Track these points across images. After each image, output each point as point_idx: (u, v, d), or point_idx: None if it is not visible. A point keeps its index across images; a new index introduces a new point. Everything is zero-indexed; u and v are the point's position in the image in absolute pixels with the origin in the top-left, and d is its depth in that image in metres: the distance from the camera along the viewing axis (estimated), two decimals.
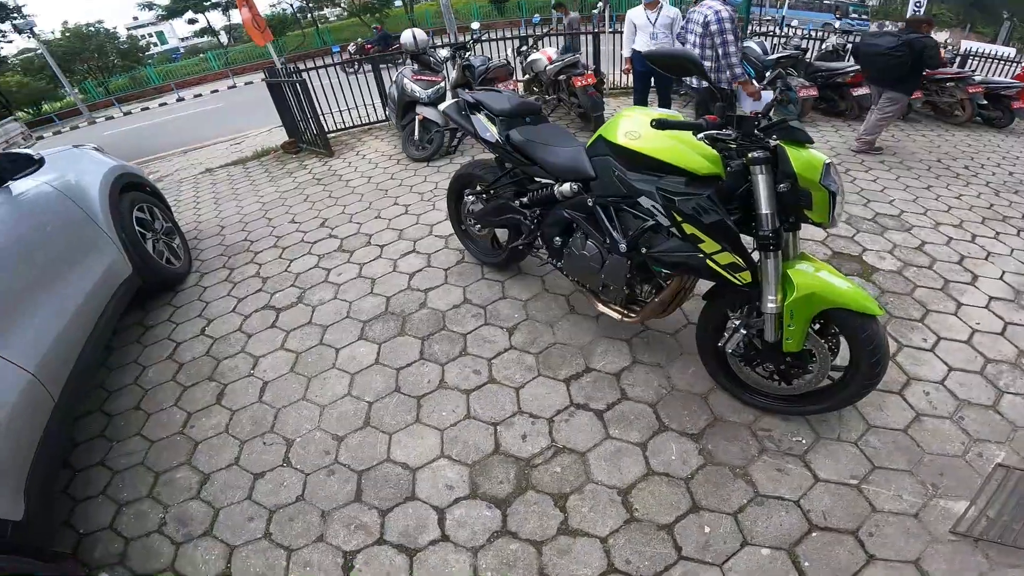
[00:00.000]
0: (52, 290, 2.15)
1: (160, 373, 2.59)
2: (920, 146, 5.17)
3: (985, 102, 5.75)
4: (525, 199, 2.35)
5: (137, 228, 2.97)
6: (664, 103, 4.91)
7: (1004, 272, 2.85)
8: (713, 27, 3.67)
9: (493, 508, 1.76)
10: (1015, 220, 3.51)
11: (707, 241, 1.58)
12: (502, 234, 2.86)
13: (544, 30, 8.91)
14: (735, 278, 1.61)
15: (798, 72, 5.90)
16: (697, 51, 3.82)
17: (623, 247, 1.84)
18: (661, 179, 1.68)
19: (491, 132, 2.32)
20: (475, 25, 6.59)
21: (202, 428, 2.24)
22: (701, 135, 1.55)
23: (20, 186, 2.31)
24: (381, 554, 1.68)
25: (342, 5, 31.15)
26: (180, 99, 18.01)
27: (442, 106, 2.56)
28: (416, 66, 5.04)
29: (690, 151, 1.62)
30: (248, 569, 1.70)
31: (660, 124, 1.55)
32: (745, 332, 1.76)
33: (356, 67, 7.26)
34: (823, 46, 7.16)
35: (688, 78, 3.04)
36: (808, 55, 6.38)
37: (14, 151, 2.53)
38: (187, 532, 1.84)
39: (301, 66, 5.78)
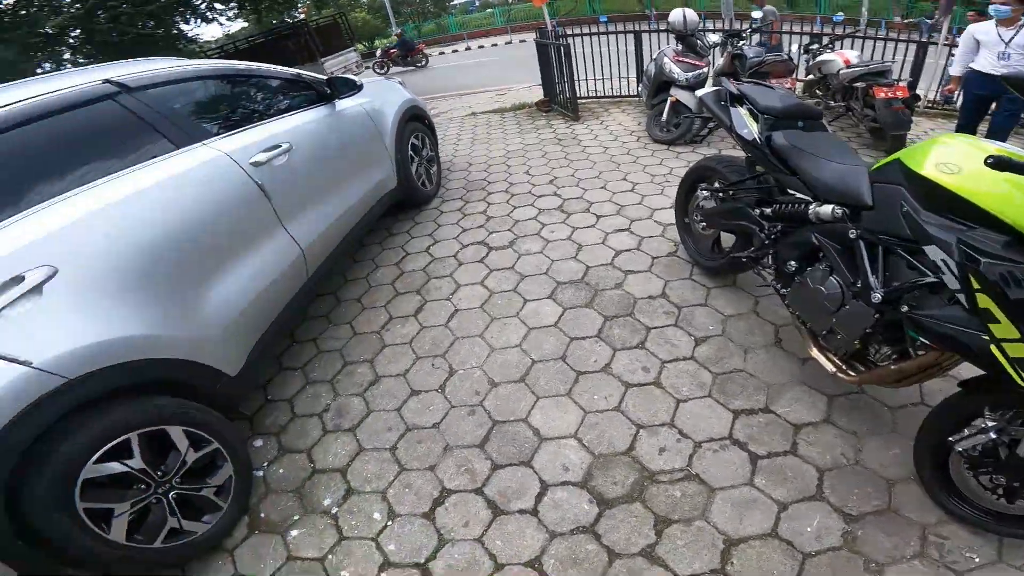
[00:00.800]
0: (340, 188, 2.80)
1: (384, 275, 3.14)
2: None
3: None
4: (768, 210, 2.11)
5: (410, 152, 3.69)
6: (999, 136, 3.78)
7: None
8: None
9: (593, 504, 1.76)
10: None
11: (1003, 323, 1.20)
12: (727, 238, 2.66)
13: (846, 29, 7.40)
14: (1020, 375, 1.20)
15: None
16: None
17: (877, 297, 1.51)
18: (969, 230, 1.28)
19: (750, 129, 2.12)
20: (756, 14, 5.89)
21: (394, 334, 2.62)
22: None
23: (343, 104, 3.02)
24: (471, 502, 1.80)
25: None
26: (468, 48, 20.82)
27: (700, 92, 2.44)
28: (680, 47, 4.85)
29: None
30: (361, 471, 1.96)
31: (999, 163, 1.16)
32: (996, 437, 1.37)
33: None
34: None
35: None
36: None
37: (347, 76, 3.19)
38: (337, 423, 2.15)
39: (569, 31, 6.11)
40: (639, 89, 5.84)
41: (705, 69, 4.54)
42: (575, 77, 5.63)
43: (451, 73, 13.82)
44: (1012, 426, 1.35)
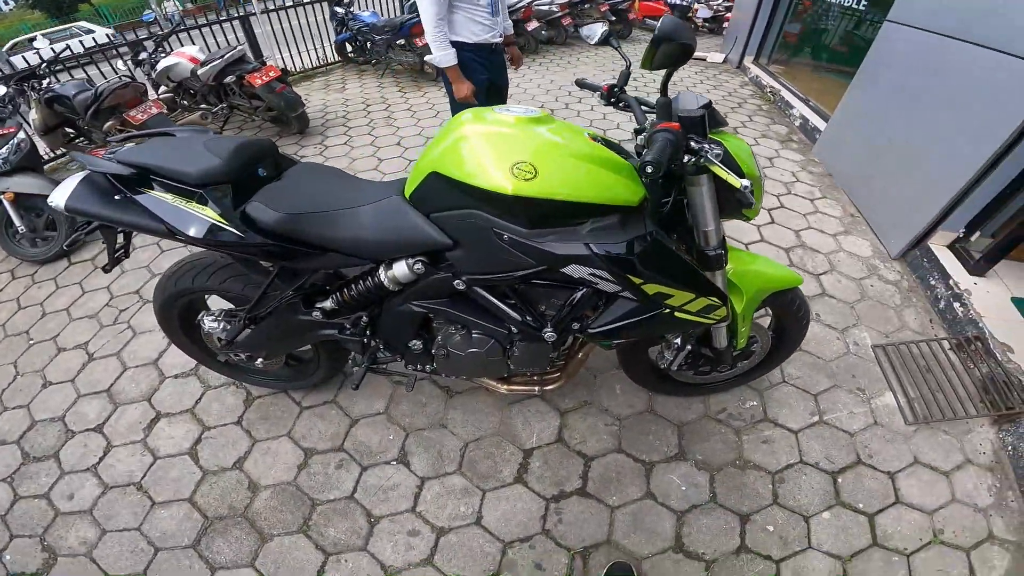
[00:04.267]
0: None
1: None
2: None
3: (614, 18, 6.84)
4: (329, 303, 1.38)
5: None
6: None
7: None
8: None
9: None
10: None
11: (676, 294, 1.14)
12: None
13: (162, 27, 6.39)
14: (709, 319, 1.24)
15: None
16: None
17: (551, 335, 1.26)
18: (580, 228, 1.06)
19: (199, 219, 1.16)
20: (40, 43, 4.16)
21: None
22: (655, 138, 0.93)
23: None
24: None
25: None
26: None
27: (54, 199, 1.16)
28: None
29: (615, 176, 1.03)
30: None
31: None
32: (691, 348, 1.55)
33: None
34: None
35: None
36: None
37: None
38: None
39: None
40: None
41: (20, 134, 2.81)
42: None
43: None
44: (691, 336, 1.54)
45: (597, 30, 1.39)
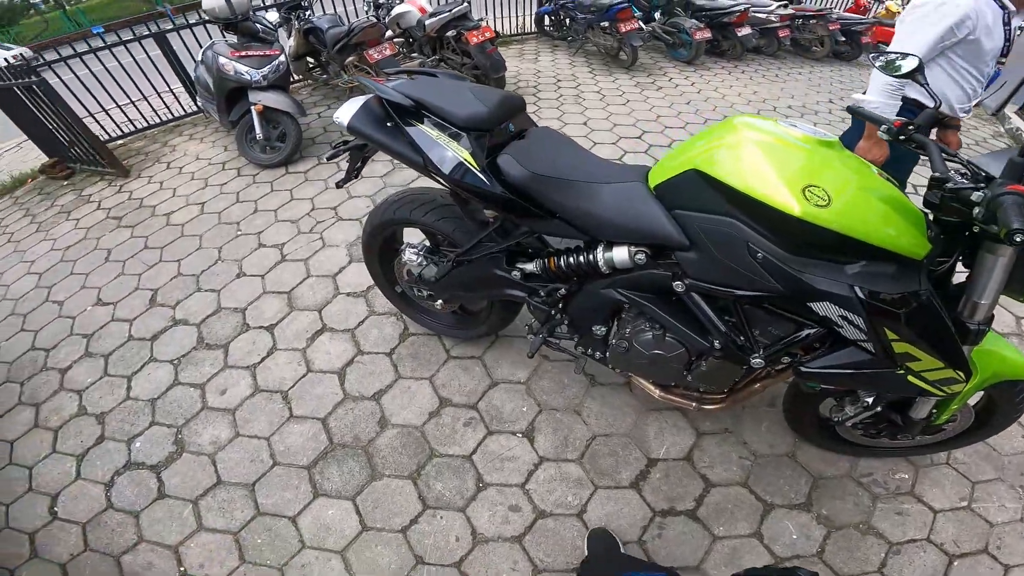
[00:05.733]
0: None
1: None
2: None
3: (843, 38, 6.06)
4: (531, 266, 1.43)
5: None
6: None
7: None
8: None
9: None
10: None
11: (924, 359, 1.01)
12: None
13: None
14: (942, 391, 1.08)
15: (685, 11, 5.56)
16: None
17: (759, 362, 1.17)
18: (848, 267, 0.97)
19: (457, 157, 1.26)
20: None
21: None
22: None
23: None
24: None
25: None
26: None
27: (340, 116, 1.38)
28: (235, 38, 3.46)
29: (905, 223, 0.94)
30: None
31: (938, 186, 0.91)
32: (880, 410, 1.35)
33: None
34: None
35: None
36: None
37: None
38: None
39: (54, 56, 3.71)
40: (199, 105, 4.13)
41: (280, 57, 3.36)
42: (86, 113, 3.53)
43: None
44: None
45: (910, 63, 1.18)
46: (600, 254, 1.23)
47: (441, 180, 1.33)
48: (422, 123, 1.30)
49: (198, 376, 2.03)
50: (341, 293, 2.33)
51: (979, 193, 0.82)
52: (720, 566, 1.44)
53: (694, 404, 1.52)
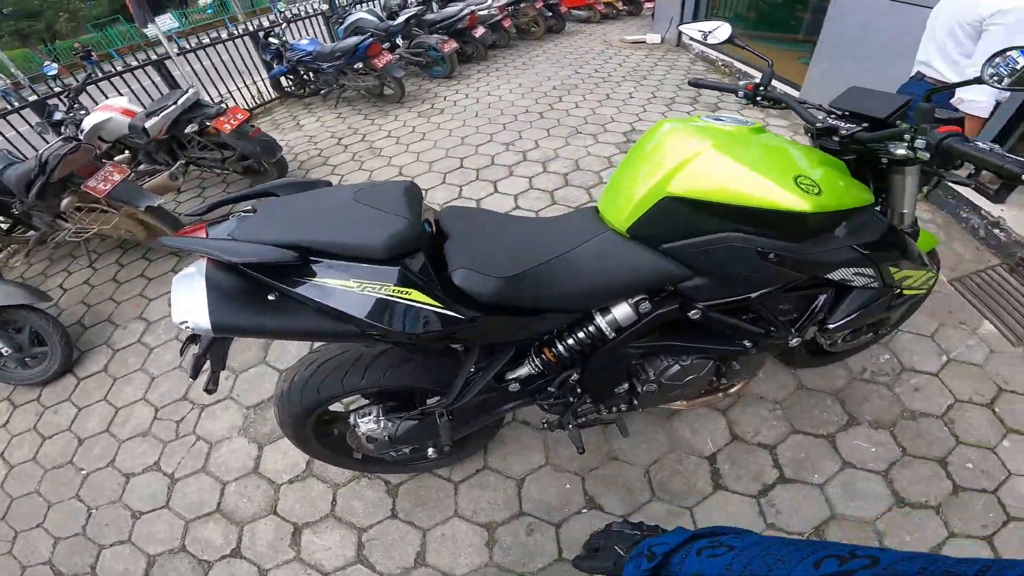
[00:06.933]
0: None
1: None
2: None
3: (549, 14, 6.90)
4: (525, 370, 1.20)
5: None
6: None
7: None
8: None
9: None
10: None
11: (913, 275, 1.24)
12: None
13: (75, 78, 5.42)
14: (924, 289, 1.35)
15: (421, 30, 5.62)
16: None
17: (796, 339, 1.23)
18: (837, 233, 1.05)
19: (405, 306, 0.89)
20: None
21: None
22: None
23: None
24: None
25: None
26: None
27: (185, 317, 0.77)
28: None
29: (849, 178, 1.06)
30: None
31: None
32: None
33: None
34: None
35: None
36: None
37: None
38: None
39: None
40: None
41: None
42: None
43: None
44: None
45: (724, 31, 1.31)
46: (601, 322, 1.09)
47: (393, 341, 0.99)
48: (315, 276, 0.87)
49: None
50: (281, 483, 1.76)
51: (921, 141, 0.90)
52: (849, 504, 1.50)
53: (720, 395, 1.51)
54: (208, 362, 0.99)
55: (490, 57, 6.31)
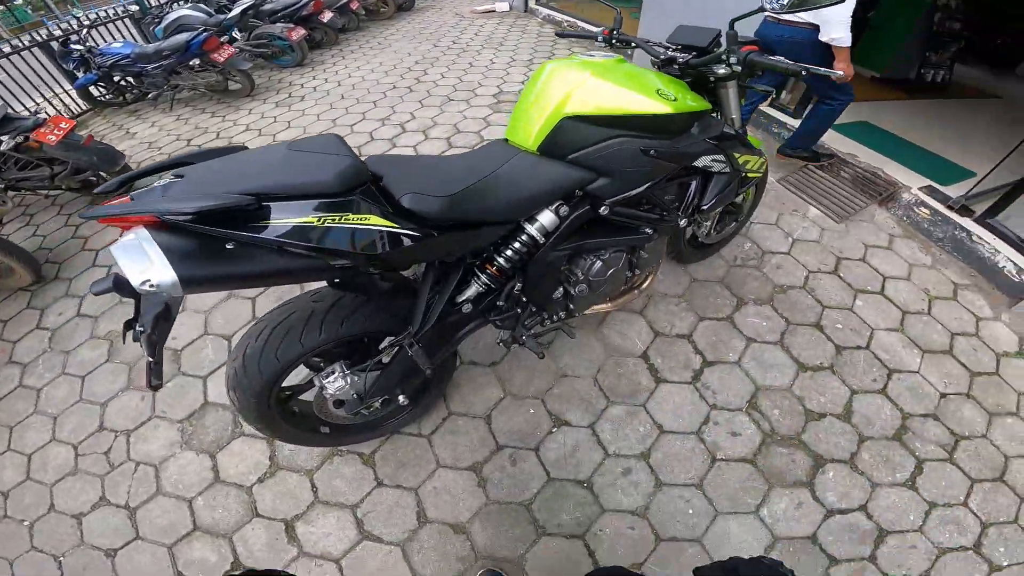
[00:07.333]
0: None
1: None
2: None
3: None
4: (473, 290, 1.33)
5: None
6: None
7: None
8: None
9: None
10: None
11: (751, 160, 1.62)
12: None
13: None
14: (759, 173, 1.73)
15: (261, 20, 5.15)
16: None
17: (684, 221, 1.55)
18: (694, 131, 1.36)
19: (368, 231, 0.96)
20: None
21: None
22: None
23: None
24: None
25: None
26: None
27: (152, 277, 0.78)
28: None
29: (688, 90, 1.37)
30: None
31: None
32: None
33: None
34: None
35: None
36: None
37: None
38: None
39: None
40: None
41: None
42: None
43: None
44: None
45: None
46: (531, 229, 1.27)
47: (364, 265, 1.03)
48: (269, 219, 0.88)
49: None
50: (249, 485, 1.67)
51: (732, 59, 1.31)
52: (764, 371, 1.82)
53: (636, 291, 1.77)
54: (146, 345, 0.94)
55: (342, 41, 6.01)
